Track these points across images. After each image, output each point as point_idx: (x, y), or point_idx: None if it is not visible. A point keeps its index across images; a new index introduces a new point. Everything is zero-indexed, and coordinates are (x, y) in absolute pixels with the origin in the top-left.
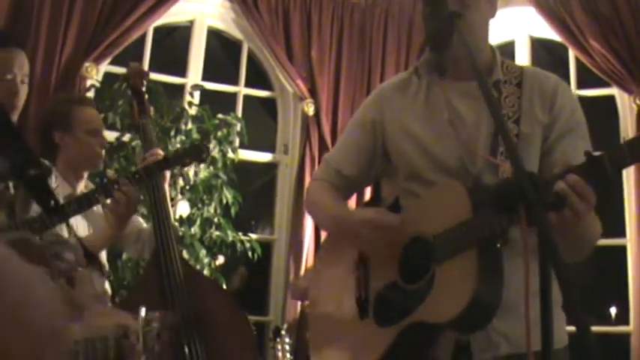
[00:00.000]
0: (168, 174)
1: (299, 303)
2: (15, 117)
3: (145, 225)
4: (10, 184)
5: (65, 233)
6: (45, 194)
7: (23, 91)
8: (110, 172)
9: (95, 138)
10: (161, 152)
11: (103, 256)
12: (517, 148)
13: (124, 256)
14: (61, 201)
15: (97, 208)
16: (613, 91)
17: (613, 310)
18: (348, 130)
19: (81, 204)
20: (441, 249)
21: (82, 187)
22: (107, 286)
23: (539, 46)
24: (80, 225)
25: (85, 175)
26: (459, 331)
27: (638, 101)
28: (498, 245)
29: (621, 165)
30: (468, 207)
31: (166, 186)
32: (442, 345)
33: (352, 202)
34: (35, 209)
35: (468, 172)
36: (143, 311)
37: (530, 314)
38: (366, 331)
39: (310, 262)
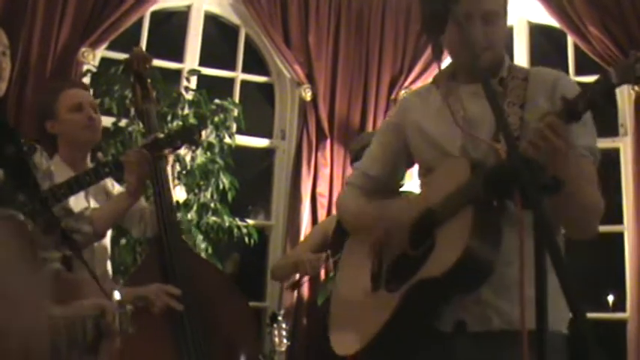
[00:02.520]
0: (170, 157)
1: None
2: (2, 88)
3: (145, 203)
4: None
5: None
6: (22, 172)
7: (5, 63)
8: (100, 155)
9: (79, 113)
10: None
11: (108, 237)
12: (511, 129)
13: (122, 240)
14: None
15: (96, 188)
16: None
17: (610, 298)
18: (376, 136)
19: (71, 186)
20: (442, 213)
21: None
22: (109, 267)
23: (537, 32)
24: (81, 206)
25: (88, 155)
26: (456, 287)
27: (636, 87)
28: (495, 203)
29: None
30: (466, 173)
31: (169, 169)
32: (443, 320)
33: None
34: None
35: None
36: (117, 294)
37: (526, 294)
38: (377, 300)
39: None
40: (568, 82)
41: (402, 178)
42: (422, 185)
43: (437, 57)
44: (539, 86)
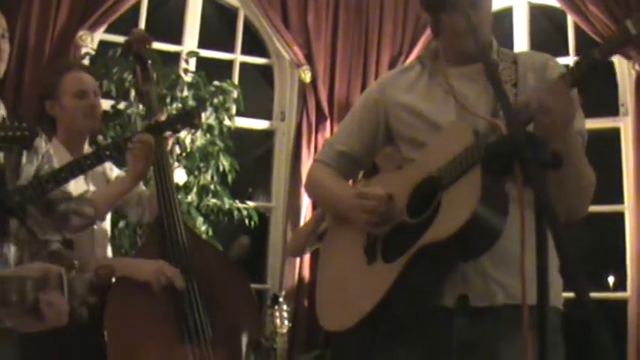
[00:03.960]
0: (170, 140)
1: (297, 270)
2: (1, 70)
3: (143, 188)
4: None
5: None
6: None
7: (4, 45)
8: (100, 139)
9: (82, 100)
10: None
11: (108, 220)
12: (512, 107)
13: (121, 223)
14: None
15: (94, 172)
16: (612, 57)
17: (611, 279)
18: (350, 113)
19: (72, 169)
20: (447, 176)
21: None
22: (109, 250)
23: (537, 12)
24: (80, 190)
25: (86, 140)
26: (461, 253)
27: (637, 67)
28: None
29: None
30: (470, 136)
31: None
32: (445, 295)
33: None
34: (26, 177)
35: None
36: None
37: (527, 269)
38: (374, 272)
39: None
40: (557, 64)
41: (375, 155)
42: (409, 161)
43: (436, 35)
44: (528, 68)
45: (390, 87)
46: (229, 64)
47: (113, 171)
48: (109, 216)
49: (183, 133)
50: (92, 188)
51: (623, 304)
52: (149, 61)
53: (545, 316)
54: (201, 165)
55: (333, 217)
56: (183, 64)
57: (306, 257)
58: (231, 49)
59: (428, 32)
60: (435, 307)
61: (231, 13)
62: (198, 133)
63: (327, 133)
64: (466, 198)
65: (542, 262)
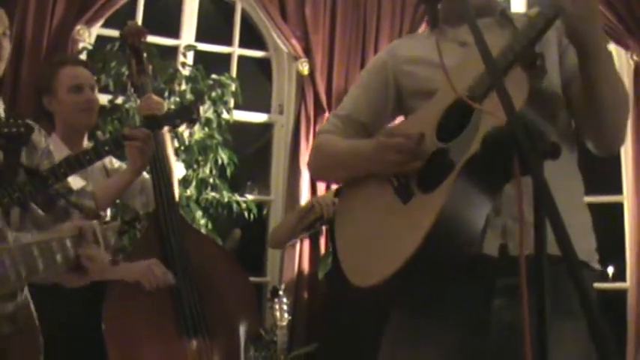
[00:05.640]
0: (167, 135)
1: (296, 263)
2: (1, 69)
3: (147, 176)
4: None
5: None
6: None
7: (5, 43)
8: (100, 134)
9: (78, 95)
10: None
11: (107, 215)
12: (509, 94)
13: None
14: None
15: (93, 167)
16: (610, 47)
17: (610, 270)
18: (357, 81)
19: (71, 165)
20: (479, 88)
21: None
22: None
23: (535, 1)
24: (79, 185)
25: (85, 135)
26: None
27: (635, 57)
28: (538, 63)
29: None
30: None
31: (169, 146)
32: (488, 243)
33: None
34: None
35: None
36: (103, 213)
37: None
38: (413, 208)
39: None
40: None
41: (385, 123)
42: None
43: (433, 26)
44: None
45: (399, 48)
46: (227, 57)
47: (112, 163)
48: (108, 211)
49: (181, 128)
50: (91, 183)
51: (622, 294)
52: (144, 54)
53: (544, 319)
54: (200, 159)
55: (348, 179)
56: (181, 58)
57: (305, 249)
58: (228, 42)
59: (425, 24)
60: (480, 256)
61: (228, 6)
62: (197, 127)
63: None
64: (517, 87)
65: (541, 258)
